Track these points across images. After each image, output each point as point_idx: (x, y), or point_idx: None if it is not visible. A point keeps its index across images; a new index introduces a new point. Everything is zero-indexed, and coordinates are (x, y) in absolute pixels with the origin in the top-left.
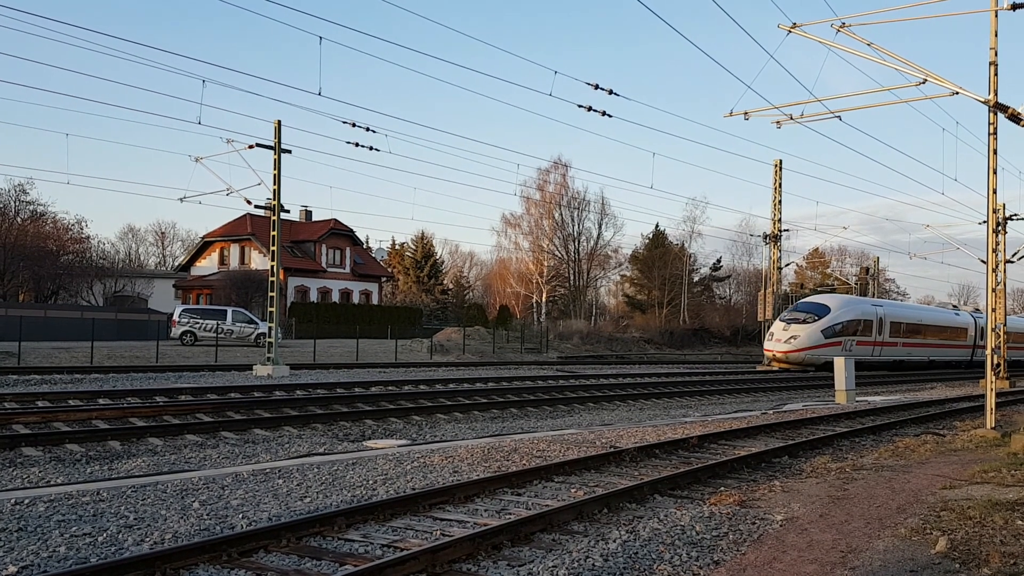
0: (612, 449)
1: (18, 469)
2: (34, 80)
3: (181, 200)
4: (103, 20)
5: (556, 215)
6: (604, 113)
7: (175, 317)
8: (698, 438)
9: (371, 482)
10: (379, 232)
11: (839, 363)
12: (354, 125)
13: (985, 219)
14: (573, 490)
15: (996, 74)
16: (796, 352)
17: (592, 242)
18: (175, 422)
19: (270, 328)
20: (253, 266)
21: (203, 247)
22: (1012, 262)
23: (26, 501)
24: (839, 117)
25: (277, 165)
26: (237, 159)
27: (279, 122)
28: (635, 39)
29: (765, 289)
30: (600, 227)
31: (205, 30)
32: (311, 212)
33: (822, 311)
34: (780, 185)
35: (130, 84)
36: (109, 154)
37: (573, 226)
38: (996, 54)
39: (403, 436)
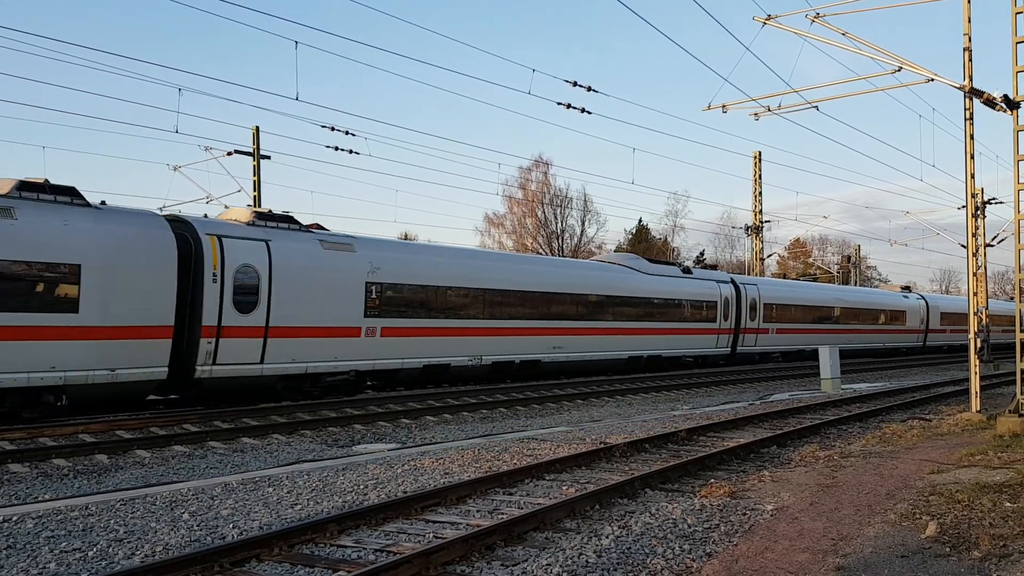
0: (602, 445)
1: (5, 486)
2: (8, 94)
3: (160, 210)
4: (77, 32)
5: (539, 213)
6: (583, 110)
7: None
8: (687, 431)
9: (362, 487)
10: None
11: (824, 352)
12: (333, 129)
13: (964, 204)
14: (565, 488)
15: (970, 60)
16: None
17: (576, 239)
18: (162, 433)
19: None
20: None
21: None
22: (992, 245)
23: (14, 518)
24: (816, 107)
25: (256, 171)
26: (216, 167)
27: (257, 128)
28: (612, 35)
29: None
30: (583, 224)
31: (180, 38)
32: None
33: None
34: (760, 177)
35: (106, 95)
36: (87, 165)
37: (556, 223)
38: (970, 40)
39: (393, 440)
